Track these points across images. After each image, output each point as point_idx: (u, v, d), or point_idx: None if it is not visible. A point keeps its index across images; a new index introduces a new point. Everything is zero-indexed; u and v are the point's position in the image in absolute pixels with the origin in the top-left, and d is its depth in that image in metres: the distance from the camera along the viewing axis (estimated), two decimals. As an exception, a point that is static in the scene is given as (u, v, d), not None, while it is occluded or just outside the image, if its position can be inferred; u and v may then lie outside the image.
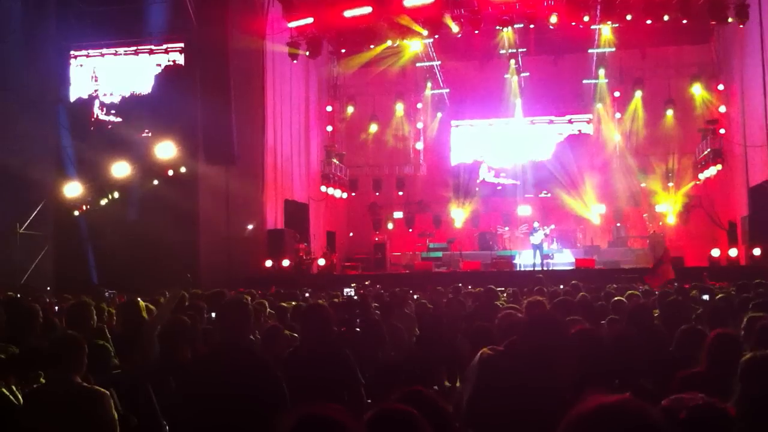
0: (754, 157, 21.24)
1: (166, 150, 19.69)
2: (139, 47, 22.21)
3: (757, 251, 19.09)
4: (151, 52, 22.33)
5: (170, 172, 20.37)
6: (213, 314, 7.78)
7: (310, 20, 21.64)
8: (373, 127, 28.31)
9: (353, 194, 28.57)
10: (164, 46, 22.24)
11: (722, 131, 24.61)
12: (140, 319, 6.21)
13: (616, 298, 8.59)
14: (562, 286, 11.29)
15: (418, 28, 22.15)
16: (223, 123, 19.67)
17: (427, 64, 26.67)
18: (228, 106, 19.57)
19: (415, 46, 24.21)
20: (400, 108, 28.27)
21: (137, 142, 20.63)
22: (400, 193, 28.63)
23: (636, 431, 1.81)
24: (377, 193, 28.66)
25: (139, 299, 7.11)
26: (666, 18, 20.35)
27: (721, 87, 25.05)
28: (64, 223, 20.73)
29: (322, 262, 23.75)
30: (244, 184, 20.49)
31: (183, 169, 20.40)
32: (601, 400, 1.85)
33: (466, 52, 25.38)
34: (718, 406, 3.09)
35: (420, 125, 28.98)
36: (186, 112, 20.61)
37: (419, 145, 29.09)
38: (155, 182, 20.15)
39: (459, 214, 27.86)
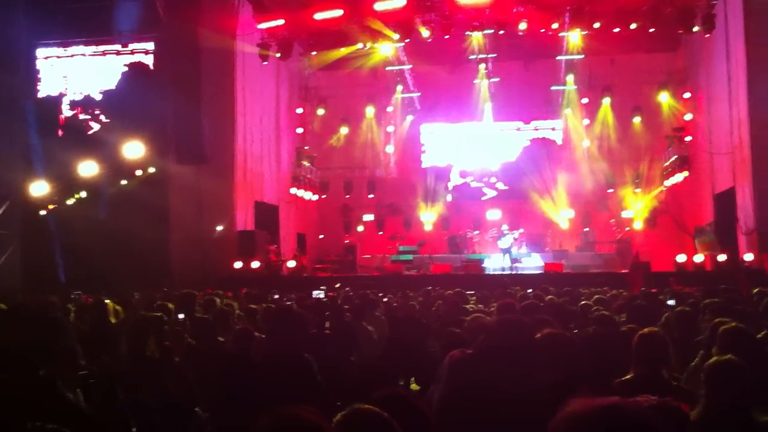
0: (720, 164, 21.60)
1: (135, 149, 19.52)
2: (108, 47, 22.05)
3: (722, 257, 19.38)
4: (118, 53, 22.18)
5: (138, 172, 20.22)
6: (181, 315, 7.76)
7: (280, 22, 21.59)
8: (344, 130, 28.32)
9: (324, 196, 28.55)
10: (130, 47, 22.11)
11: (689, 138, 25.00)
12: (107, 320, 6.19)
13: (583, 302, 8.70)
14: (530, 290, 11.38)
15: (388, 32, 22.19)
16: (194, 123, 19.58)
17: (397, 67, 26.73)
18: (198, 106, 19.49)
19: (385, 49, 24.24)
20: (370, 111, 28.30)
21: (106, 141, 20.44)
22: (371, 196, 28.66)
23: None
24: (348, 196, 28.66)
25: (106, 300, 7.08)
26: (634, 26, 20.57)
27: (687, 95, 25.43)
28: (31, 221, 20.50)
29: (292, 264, 23.68)
30: (215, 184, 20.39)
31: (152, 169, 20.26)
32: (593, 402, 1.87)
33: (437, 56, 25.47)
34: (672, 405, 3.15)
35: (391, 128, 29.04)
36: (156, 111, 20.47)
37: (390, 148, 29.15)
38: (123, 182, 19.99)
39: (429, 218, 27.97)
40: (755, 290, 9.43)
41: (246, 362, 5.66)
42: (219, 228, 20.51)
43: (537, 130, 28.84)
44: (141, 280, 14.98)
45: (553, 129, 28.73)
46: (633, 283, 15.59)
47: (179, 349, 6.23)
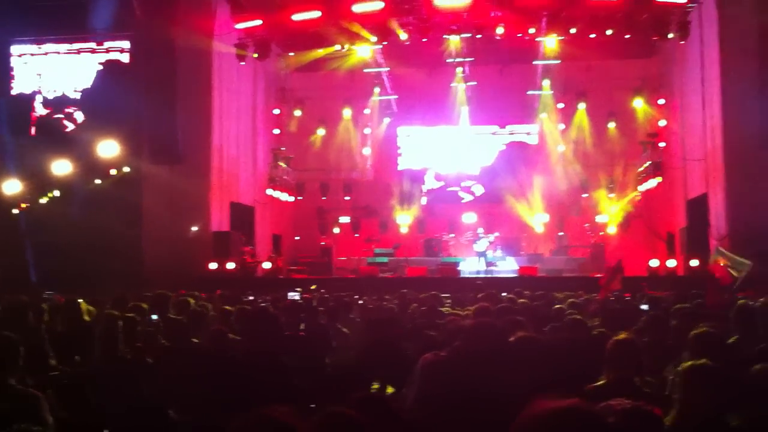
0: (693, 170, 21.83)
1: (109, 148, 19.38)
2: (83, 45, 21.87)
3: (694, 262, 19.59)
4: (93, 51, 22.01)
5: (113, 172, 20.08)
6: (154, 316, 7.72)
7: (258, 22, 21.51)
8: (321, 131, 28.27)
9: (300, 198, 28.45)
10: (105, 46, 21.95)
11: (662, 144, 25.25)
12: (81, 320, 6.14)
13: (557, 306, 8.76)
14: (505, 294, 11.44)
15: (366, 34, 22.20)
16: (169, 122, 19.47)
17: (375, 70, 26.72)
18: (174, 106, 19.38)
19: (363, 51, 24.24)
20: (347, 113, 28.28)
21: (80, 140, 20.27)
22: (347, 198, 28.62)
23: None
24: (324, 198, 28.60)
25: (80, 300, 7.02)
26: (610, 32, 20.75)
27: (662, 101, 25.68)
28: (2, 220, 20.25)
29: (267, 265, 23.60)
30: (190, 184, 20.26)
31: (126, 169, 20.13)
32: (554, 404, 1.90)
33: (414, 59, 25.49)
34: (645, 409, 3.19)
35: (367, 131, 29.04)
36: (131, 110, 20.33)
37: (366, 151, 29.14)
38: (97, 181, 19.83)
39: (405, 220, 28.00)
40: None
41: (220, 363, 5.64)
42: (194, 228, 20.39)
43: (513, 134, 28.99)
44: (114, 281, 14.86)
45: (528, 133, 28.90)
46: (606, 287, 15.67)
47: (152, 350, 6.20)
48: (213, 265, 20.33)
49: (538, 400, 1.96)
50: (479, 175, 28.76)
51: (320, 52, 24.12)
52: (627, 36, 20.89)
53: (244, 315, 7.66)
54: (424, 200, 28.71)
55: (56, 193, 19.83)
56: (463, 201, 28.56)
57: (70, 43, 22.29)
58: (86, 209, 19.72)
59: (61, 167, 19.40)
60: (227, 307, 9.12)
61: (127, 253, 19.24)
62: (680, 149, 23.21)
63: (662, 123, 25.58)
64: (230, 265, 20.63)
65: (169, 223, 19.91)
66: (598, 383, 4.62)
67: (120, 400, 4.84)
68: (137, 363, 5.62)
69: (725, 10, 18.67)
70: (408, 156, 29.54)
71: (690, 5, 20.22)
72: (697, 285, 13.51)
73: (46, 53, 22.34)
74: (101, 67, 21.96)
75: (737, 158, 18.36)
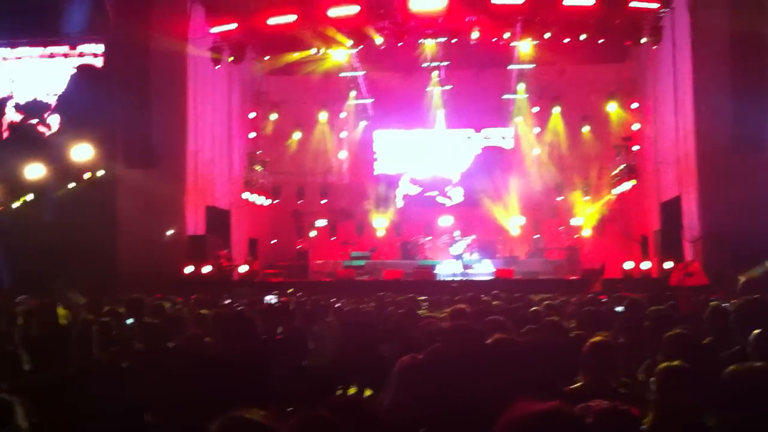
0: (666, 173, 22.06)
1: (83, 152, 19.22)
2: (56, 48, 21.70)
3: (668, 264, 19.78)
4: (66, 55, 21.83)
5: (87, 175, 19.93)
6: (130, 320, 7.67)
7: (233, 26, 21.46)
8: (297, 135, 28.23)
9: (276, 201, 28.38)
10: (79, 50, 21.78)
11: (636, 148, 25.49)
12: (56, 324, 6.09)
13: (534, 308, 8.80)
14: (482, 296, 11.47)
15: (342, 38, 22.22)
16: (143, 125, 19.34)
17: (351, 74, 26.73)
18: (148, 109, 19.25)
19: (339, 55, 24.24)
20: (323, 116, 28.27)
21: (53, 144, 20.10)
22: (324, 201, 28.59)
23: None
24: (300, 201, 28.55)
25: (55, 303, 6.95)
26: (583, 37, 20.94)
27: (635, 105, 25.93)
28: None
29: (243, 269, 23.50)
30: (165, 188, 20.13)
31: (101, 172, 19.98)
32: (535, 406, 1.92)
33: (390, 63, 25.54)
34: (622, 409, 3.22)
35: (343, 134, 29.03)
36: (104, 113, 20.19)
37: (342, 154, 29.13)
38: (71, 185, 19.66)
39: (382, 223, 28.02)
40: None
41: (196, 367, 5.61)
42: (169, 232, 20.27)
43: (488, 138, 29.11)
44: (88, 285, 14.71)
45: (503, 138, 29.03)
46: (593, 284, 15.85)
47: (128, 354, 6.16)
48: (189, 269, 20.22)
49: (519, 403, 1.97)
50: (455, 178, 28.83)
51: (296, 56, 24.08)
52: (600, 41, 21.11)
53: (221, 319, 7.62)
54: (400, 203, 28.74)
55: (30, 197, 19.62)
56: (446, 205, 28.57)
57: (44, 47, 22.09)
58: (60, 213, 19.55)
59: (35, 171, 19.21)
60: (203, 311, 9.09)
61: (101, 257, 19.08)
62: (654, 152, 23.45)
63: (636, 127, 25.83)
64: (206, 269, 20.53)
65: (144, 227, 19.77)
66: (576, 385, 4.66)
67: (96, 405, 4.80)
68: (113, 367, 5.58)
69: (697, 15, 18.89)
70: (384, 160, 29.55)
71: (662, 10, 20.45)
72: (671, 287, 13.69)
73: (19, 57, 22.12)
74: (75, 71, 21.77)
75: (710, 161, 18.56)
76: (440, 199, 28.86)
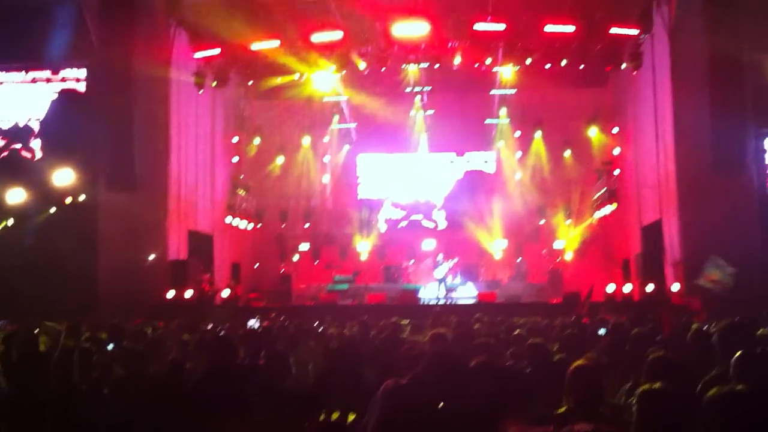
0: (647, 197, 22.22)
1: (64, 176, 19.13)
2: (38, 73, 21.68)
3: (649, 287, 19.86)
4: (48, 80, 21.80)
5: (68, 200, 19.83)
6: (110, 345, 7.60)
7: (216, 51, 21.52)
8: (280, 159, 28.25)
9: (259, 225, 28.33)
10: (61, 75, 21.77)
11: (617, 172, 25.69)
12: (36, 349, 6.03)
13: (517, 332, 8.80)
14: (464, 319, 11.46)
15: (325, 63, 22.34)
16: (126, 150, 19.25)
17: (334, 98, 26.84)
18: (131, 133, 19.18)
19: (322, 80, 24.33)
20: (307, 141, 28.33)
21: (35, 168, 20.02)
22: (307, 225, 28.55)
23: None
24: (283, 225, 28.50)
25: (34, 328, 6.89)
26: (564, 62, 21.18)
27: (616, 129, 26.19)
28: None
29: (226, 293, 23.38)
30: (147, 212, 20.03)
31: (82, 197, 19.88)
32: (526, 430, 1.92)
33: (374, 87, 25.69)
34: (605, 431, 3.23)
35: (327, 158, 29.08)
36: (87, 138, 20.14)
37: (326, 178, 29.16)
38: (53, 210, 19.55)
39: (365, 247, 28.02)
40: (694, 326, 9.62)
41: (177, 393, 5.57)
42: (151, 257, 20.14)
43: (469, 162, 29.22)
44: (69, 310, 14.60)
45: (486, 161, 29.16)
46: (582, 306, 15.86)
47: (108, 380, 6.10)
48: (170, 294, 20.08)
49: (509, 427, 1.97)
50: (439, 202, 28.88)
51: (279, 80, 24.16)
52: (581, 66, 21.33)
53: (202, 344, 7.57)
54: (383, 227, 28.74)
55: (10, 221, 19.47)
56: (429, 228, 28.57)
57: (25, 72, 22.05)
58: (41, 238, 19.39)
59: (16, 196, 19.09)
60: (185, 336, 9.03)
61: (82, 282, 18.92)
62: (634, 176, 23.62)
63: (617, 151, 26.06)
64: (188, 294, 20.41)
65: (126, 252, 19.62)
66: (561, 410, 4.65)
67: (75, 431, 4.75)
68: (92, 393, 5.53)
69: (676, 40, 19.14)
70: (367, 184, 29.56)
71: (642, 36, 20.75)
72: (653, 309, 13.74)
73: (1, 82, 22.05)
74: (57, 96, 21.71)
75: (690, 185, 18.71)
76: (424, 223, 28.88)
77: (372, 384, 5.76)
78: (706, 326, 8.40)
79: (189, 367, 6.38)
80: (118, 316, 10.17)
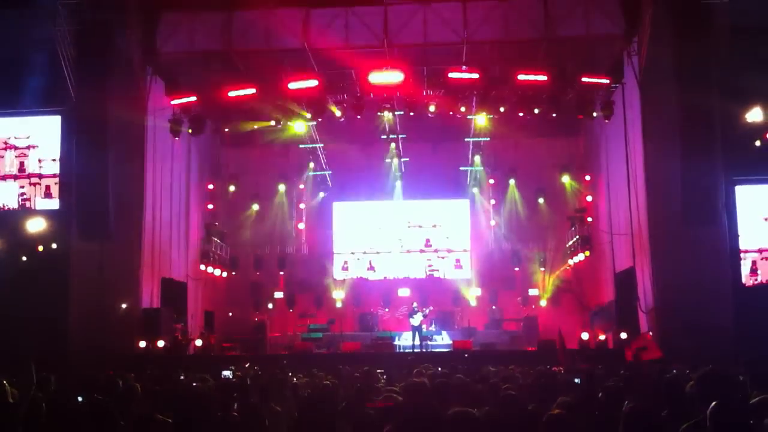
0: (619, 244, 22.39)
1: (36, 225, 18.94)
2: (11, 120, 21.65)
3: (623, 335, 19.88)
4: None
5: (40, 248, 19.61)
6: (80, 398, 7.46)
7: (193, 99, 21.60)
8: (255, 207, 28.24)
9: (233, 273, 28.16)
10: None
11: (590, 219, 25.94)
12: (5, 401, 5.90)
13: (492, 381, 8.78)
14: (440, 368, 11.43)
15: (301, 111, 22.51)
16: (100, 197, 19.08)
17: (310, 145, 26.98)
18: (105, 181, 19.04)
19: (298, 127, 24.47)
20: (282, 187, 28.37)
21: (6, 216, 19.84)
22: (282, 273, 28.42)
23: None
24: (258, 272, 28.35)
25: (2, 380, 6.75)
26: (537, 111, 21.47)
27: (588, 178, 26.52)
28: None
29: (199, 342, 23.09)
30: (120, 261, 19.80)
31: (54, 245, 19.67)
32: None
33: (349, 134, 25.87)
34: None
35: (302, 206, 29.10)
36: (60, 185, 20.02)
37: (301, 225, 29.14)
38: (24, 258, 19.31)
39: (340, 295, 27.94)
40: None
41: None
42: (123, 306, 19.88)
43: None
44: (38, 361, 14.31)
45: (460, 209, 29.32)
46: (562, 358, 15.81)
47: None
48: (142, 344, 19.80)
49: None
50: (413, 250, 28.85)
51: (255, 127, 24.25)
52: (554, 114, 21.64)
53: (174, 396, 7.47)
54: (358, 274, 28.68)
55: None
56: (397, 276, 28.52)
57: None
58: (8, 286, 19.08)
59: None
60: (157, 388, 8.89)
61: (52, 332, 18.60)
62: (608, 224, 23.82)
63: (589, 198, 26.35)
64: (160, 343, 20.13)
65: (98, 301, 19.33)
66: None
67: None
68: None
69: (647, 89, 19.48)
70: (342, 232, 29.47)
71: (614, 85, 21.13)
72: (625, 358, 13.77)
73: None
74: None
75: (662, 234, 18.86)
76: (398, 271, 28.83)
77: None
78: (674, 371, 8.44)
79: (159, 420, 6.26)
80: (89, 367, 9.99)
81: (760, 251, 20.89)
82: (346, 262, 28.90)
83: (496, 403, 6.72)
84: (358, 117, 22.06)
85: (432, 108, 21.85)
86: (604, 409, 6.34)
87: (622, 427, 5.02)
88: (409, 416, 4.16)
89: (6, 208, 21.15)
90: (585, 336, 21.79)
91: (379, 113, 23.23)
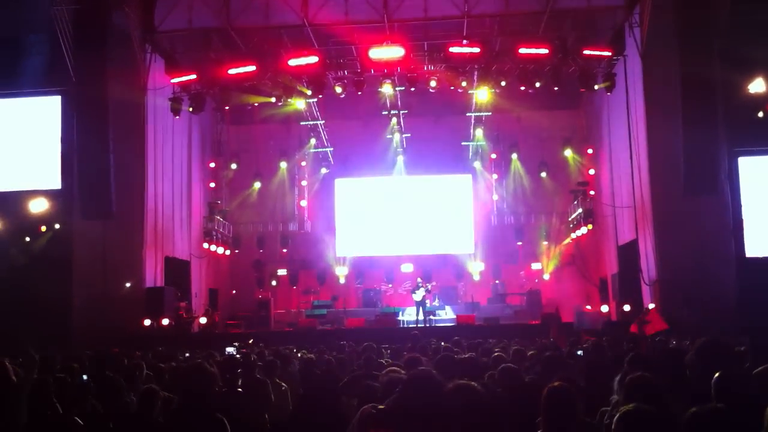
0: (622, 217, 22.36)
1: (38, 205, 18.94)
2: (12, 101, 21.56)
3: (626, 307, 19.93)
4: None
5: (43, 228, 19.63)
6: (85, 376, 7.50)
7: (192, 77, 21.53)
8: (257, 184, 28.21)
9: (236, 251, 28.22)
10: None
11: (592, 193, 25.89)
12: (8, 380, 5.92)
13: (496, 354, 8.80)
14: (443, 342, 11.46)
15: (302, 87, 22.40)
16: (102, 177, 19.07)
17: (311, 122, 26.91)
18: (106, 160, 19.00)
19: (299, 104, 24.40)
20: (283, 165, 28.32)
21: (8, 197, 19.85)
22: (285, 250, 28.47)
23: None
24: (261, 250, 28.40)
25: (5, 360, 6.77)
26: (538, 84, 21.34)
27: (590, 151, 26.45)
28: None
29: (203, 320, 23.19)
30: (123, 240, 19.83)
31: (57, 226, 19.69)
32: None
33: (350, 111, 25.81)
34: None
35: (304, 183, 29.08)
36: (62, 165, 19.99)
37: (303, 203, 29.12)
38: (27, 239, 19.34)
39: (343, 271, 27.99)
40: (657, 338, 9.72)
41: (150, 424, 5.52)
42: (127, 285, 19.92)
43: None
44: (43, 340, 14.40)
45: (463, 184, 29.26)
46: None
47: (82, 412, 6.02)
48: (147, 322, 19.88)
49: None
50: (416, 224, 28.77)
51: (256, 103, 24.19)
52: (555, 88, 21.51)
53: (179, 372, 7.50)
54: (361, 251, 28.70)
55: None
56: (400, 251, 28.48)
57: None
58: (13, 266, 19.13)
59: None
60: (161, 365, 8.94)
61: (56, 312, 18.67)
62: (610, 197, 23.79)
63: (592, 172, 26.29)
64: (165, 322, 20.21)
65: (102, 280, 19.40)
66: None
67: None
68: (66, 425, 5.44)
69: (649, 61, 19.36)
70: (345, 208, 29.44)
71: (615, 58, 21.00)
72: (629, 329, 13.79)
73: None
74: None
75: (664, 205, 18.83)
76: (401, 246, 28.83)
77: (351, 411, 5.73)
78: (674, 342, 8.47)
79: (165, 397, 6.30)
80: (94, 346, 10.03)
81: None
82: (348, 239, 28.88)
83: (499, 377, 6.75)
84: (359, 93, 21.95)
85: (433, 83, 21.74)
86: (607, 379, 6.35)
87: (624, 395, 5.03)
88: (410, 390, 4.16)
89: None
90: (588, 309, 21.83)
91: (379, 89, 23.14)
